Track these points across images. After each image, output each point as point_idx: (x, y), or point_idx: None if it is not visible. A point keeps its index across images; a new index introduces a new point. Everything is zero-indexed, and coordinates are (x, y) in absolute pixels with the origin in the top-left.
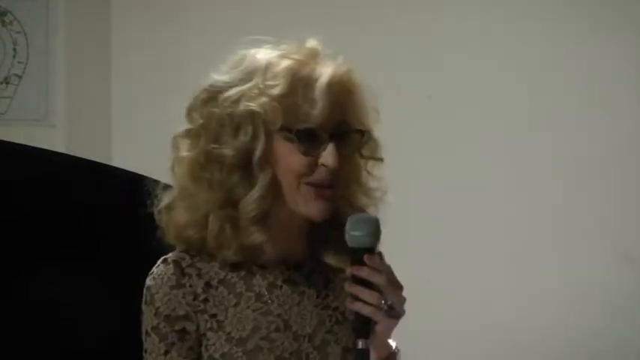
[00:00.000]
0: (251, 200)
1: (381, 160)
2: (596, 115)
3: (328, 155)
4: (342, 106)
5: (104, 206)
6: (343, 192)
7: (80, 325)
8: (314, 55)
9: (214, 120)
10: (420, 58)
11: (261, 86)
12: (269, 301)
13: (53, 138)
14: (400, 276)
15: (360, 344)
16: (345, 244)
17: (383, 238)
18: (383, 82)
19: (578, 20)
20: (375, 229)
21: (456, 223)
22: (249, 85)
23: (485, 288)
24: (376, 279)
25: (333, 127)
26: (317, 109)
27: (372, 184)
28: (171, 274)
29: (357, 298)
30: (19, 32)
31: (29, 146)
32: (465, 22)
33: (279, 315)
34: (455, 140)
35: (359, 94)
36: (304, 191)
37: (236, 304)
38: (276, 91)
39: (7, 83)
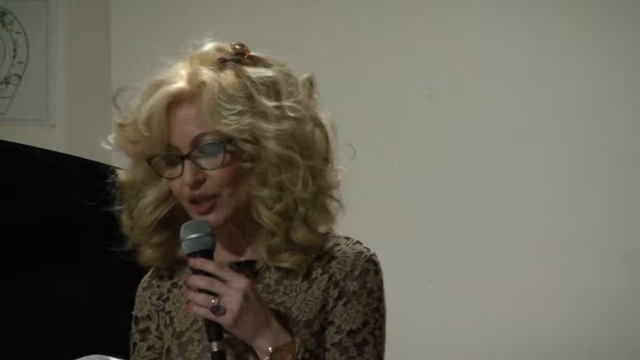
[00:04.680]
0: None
1: (274, 166)
2: (597, 114)
3: (184, 174)
4: (187, 122)
5: (104, 207)
6: (237, 200)
7: (79, 325)
8: (158, 83)
9: None
10: (420, 57)
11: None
12: None
13: (53, 138)
14: (401, 275)
15: (215, 347)
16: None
17: (384, 237)
18: (384, 81)
19: (579, 19)
20: (195, 232)
21: (457, 222)
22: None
23: (485, 287)
24: (197, 281)
25: (188, 145)
26: (152, 137)
27: (264, 192)
28: (148, 276)
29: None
30: (19, 32)
31: (29, 146)
32: (465, 21)
33: None
34: (455, 139)
35: (201, 106)
36: (189, 209)
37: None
38: (125, 123)
39: (7, 83)
